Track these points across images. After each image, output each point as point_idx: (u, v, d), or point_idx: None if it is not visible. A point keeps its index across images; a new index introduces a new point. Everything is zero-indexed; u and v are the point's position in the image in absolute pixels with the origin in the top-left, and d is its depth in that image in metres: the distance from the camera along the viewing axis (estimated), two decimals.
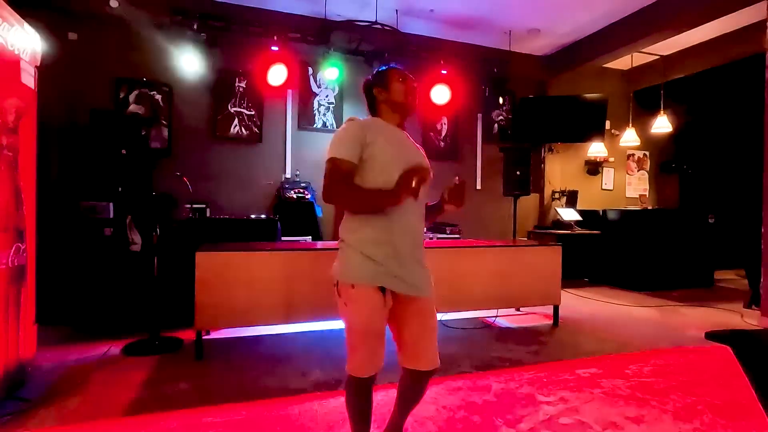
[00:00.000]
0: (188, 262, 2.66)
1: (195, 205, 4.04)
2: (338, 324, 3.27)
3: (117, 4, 3.95)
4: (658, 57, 6.11)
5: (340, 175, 1.34)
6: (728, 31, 5.22)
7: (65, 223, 4.09)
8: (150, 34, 4.61)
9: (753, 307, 4.14)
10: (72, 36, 4.41)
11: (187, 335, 2.98)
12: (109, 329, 3.25)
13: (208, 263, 2.65)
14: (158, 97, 4.76)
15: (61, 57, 4.10)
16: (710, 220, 5.56)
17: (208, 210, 4.62)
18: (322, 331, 3.26)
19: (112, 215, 4.20)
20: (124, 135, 4.00)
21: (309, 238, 4.62)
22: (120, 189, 4.10)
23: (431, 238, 4.58)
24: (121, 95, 4.65)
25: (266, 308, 2.78)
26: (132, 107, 4.67)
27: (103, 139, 3.89)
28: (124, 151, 3.73)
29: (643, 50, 5.65)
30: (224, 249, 2.78)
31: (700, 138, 6.97)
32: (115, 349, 2.83)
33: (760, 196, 3.75)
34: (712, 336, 1.01)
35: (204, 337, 2.81)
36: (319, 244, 3.87)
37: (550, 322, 3.66)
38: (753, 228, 3.94)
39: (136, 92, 4.69)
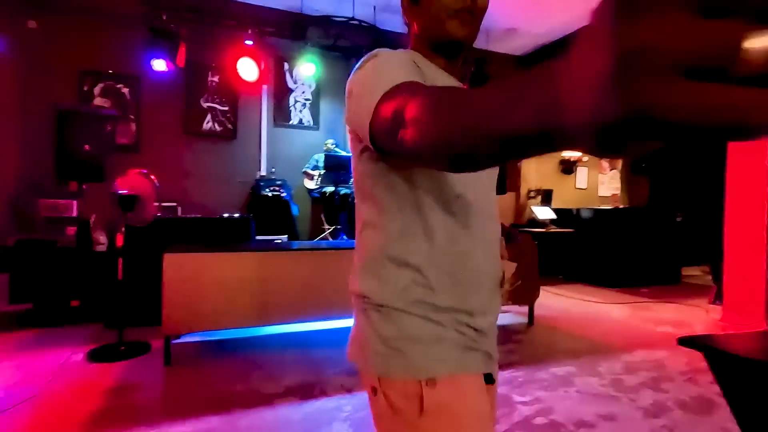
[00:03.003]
0: (156, 263, 2.55)
1: (164, 204, 3.90)
2: (313, 325, 3.24)
3: None
4: None
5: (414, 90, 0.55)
6: None
7: (24, 222, 3.88)
8: (116, 24, 4.41)
9: (717, 302, 4.30)
10: (31, 24, 4.18)
11: (156, 339, 2.86)
12: (71, 334, 3.10)
13: (177, 265, 2.55)
14: (125, 90, 4.57)
15: (20, 46, 3.89)
16: (678, 219, 5.75)
17: (179, 209, 4.47)
18: (297, 333, 3.21)
19: (75, 214, 4.02)
20: (88, 130, 3.82)
21: (285, 237, 4.54)
22: (84, 187, 3.92)
23: None
24: (86, 88, 4.44)
25: (239, 311, 2.69)
26: (97, 101, 4.47)
27: (65, 135, 3.70)
28: (87, 147, 3.55)
29: None
30: (194, 250, 2.67)
31: None
32: (77, 355, 2.69)
33: (723, 197, 3.88)
34: (685, 342, 1.01)
35: (173, 342, 2.70)
36: (295, 244, 3.79)
37: (526, 320, 3.70)
38: (717, 226, 4.08)
39: (101, 85, 4.49)
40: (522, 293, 3.51)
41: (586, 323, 3.72)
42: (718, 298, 4.34)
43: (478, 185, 0.73)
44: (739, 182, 3.78)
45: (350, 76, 0.68)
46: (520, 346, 3.08)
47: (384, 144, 0.56)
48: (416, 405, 0.63)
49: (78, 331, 3.18)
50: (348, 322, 3.28)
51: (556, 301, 4.55)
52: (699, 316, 3.96)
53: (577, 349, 3.02)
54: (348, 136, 0.73)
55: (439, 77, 0.74)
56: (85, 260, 3.52)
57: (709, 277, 5.18)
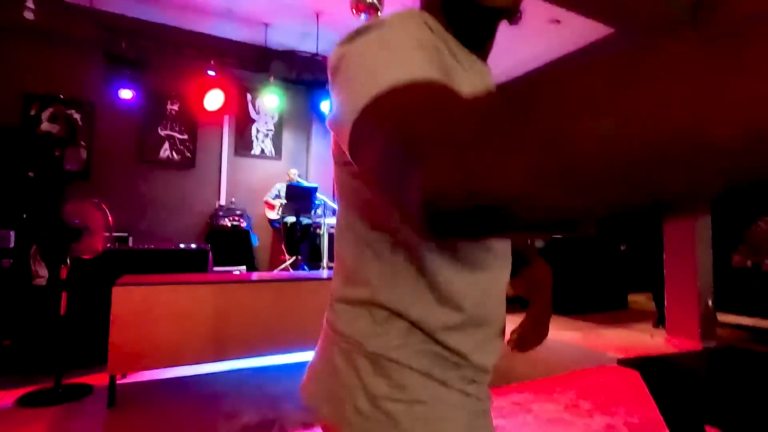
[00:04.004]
0: (102, 298, 2.41)
1: (115, 234, 3.71)
2: (271, 359, 3.13)
3: (33, 16, 3.65)
4: None
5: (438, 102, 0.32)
6: None
7: None
8: (71, 48, 4.30)
9: (660, 326, 4.58)
10: None
11: (100, 380, 2.66)
12: (3, 377, 2.81)
13: (127, 298, 2.42)
14: (77, 116, 4.40)
15: None
16: (622, 248, 6.14)
17: (130, 239, 4.27)
18: (254, 368, 3.08)
19: (12, 245, 3.74)
20: (33, 156, 3.63)
21: (243, 268, 4.42)
22: (24, 215, 3.68)
23: None
24: (32, 112, 4.24)
25: (193, 346, 2.57)
26: (45, 126, 4.27)
27: (6, 160, 3.49)
28: (31, 174, 3.36)
29: None
30: (146, 282, 2.56)
31: None
32: (6, 400, 2.45)
33: (660, 228, 4.22)
34: (624, 362, 1.09)
35: (119, 382, 2.52)
36: (254, 275, 3.71)
37: None
38: (656, 255, 4.41)
39: (50, 110, 4.31)
40: None
41: (542, 349, 3.81)
42: (660, 322, 4.62)
43: None
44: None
45: (338, 46, 0.46)
46: None
47: (368, 172, 0.38)
48: None
49: (9, 374, 2.89)
50: (310, 355, 3.23)
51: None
52: (645, 340, 4.19)
53: (534, 374, 3.10)
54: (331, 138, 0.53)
55: (466, 60, 0.53)
56: (21, 295, 3.26)
57: (653, 303, 5.52)
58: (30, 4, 3.58)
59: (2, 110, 4.05)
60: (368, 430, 0.50)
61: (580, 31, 4.65)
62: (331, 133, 0.52)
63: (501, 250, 0.58)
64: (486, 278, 0.55)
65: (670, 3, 3.87)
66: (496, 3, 0.50)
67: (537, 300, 0.74)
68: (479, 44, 0.56)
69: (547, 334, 0.75)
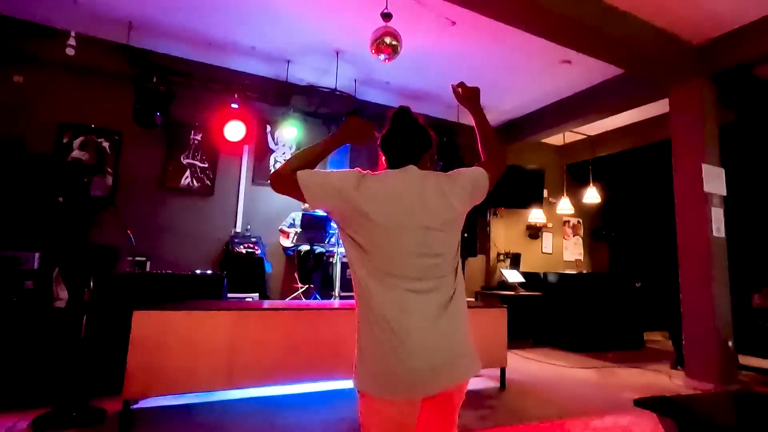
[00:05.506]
0: (120, 321, 2.47)
1: (136, 258, 3.81)
2: (282, 389, 3.12)
3: (73, 52, 3.91)
4: (585, 136, 6.90)
5: None
6: (643, 119, 6.06)
7: None
8: (104, 82, 4.56)
9: (678, 367, 4.44)
10: (17, 78, 4.26)
11: (113, 405, 2.68)
12: (19, 399, 2.84)
13: (147, 323, 2.47)
14: (106, 144, 4.61)
15: (1, 99, 3.94)
16: (637, 285, 6.03)
17: (148, 263, 4.36)
18: (267, 397, 3.07)
19: (36, 266, 3.85)
20: (63, 181, 3.80)
21: (256, 296, 4.46)
22: (50, 238, 3.81)
23: None
24: (65, 140, 4.45)
25: (207, 372, 2.59)
26: (75, 153, 4.48)
27: (39, 185, 3.66)
28: (61, 199, 3.51)
29: (573, 130, 6.36)
30: (165, 307, 2.61)
31: (623, 209, 7.74)
32: (22, 422, 2.47)
33: (675, 265, 4.17)
34: (640, 403, 1.10)
35: (132, 407, 2.54)
36: (266, 303, 3.74)
37: (498, 384, 3.69)
38: (672, 294, 4.33)
39: (81, 138, 4.52)
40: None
41: (556, 388, 3.74)
42: (679, 363, 4.49)
43: None
44: (688, 252, 4.10)
45: (455, 171, 1.47)
46: (492, 412, 3.06)
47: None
48: None
49: (27, 395, 2.92)
50: (320, 386, 3.17)
51: (527, 366, 4.58)
52: (662, 381, 4.07)
53: (547, 414, 3.03)
54: (458, 208, 1.32)
55: None
56: (39, 317, 3.32)
57: (670, 342, 5.36)
58: (72, 42, 3.85)
59: (38, 138, 4.26)
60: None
61: (589, 71, 4.79)
62: (463, 207, 1.43)
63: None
64: None
65: (675, 47, 3.99)
66: None
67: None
68: None
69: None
